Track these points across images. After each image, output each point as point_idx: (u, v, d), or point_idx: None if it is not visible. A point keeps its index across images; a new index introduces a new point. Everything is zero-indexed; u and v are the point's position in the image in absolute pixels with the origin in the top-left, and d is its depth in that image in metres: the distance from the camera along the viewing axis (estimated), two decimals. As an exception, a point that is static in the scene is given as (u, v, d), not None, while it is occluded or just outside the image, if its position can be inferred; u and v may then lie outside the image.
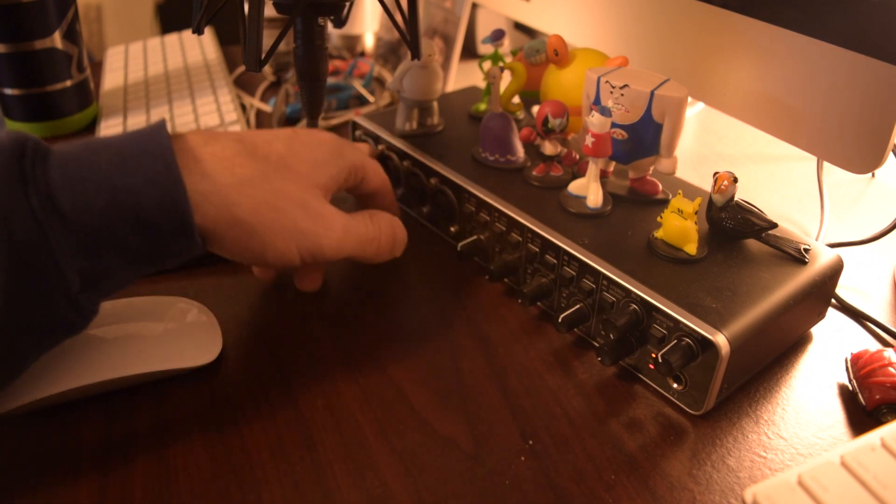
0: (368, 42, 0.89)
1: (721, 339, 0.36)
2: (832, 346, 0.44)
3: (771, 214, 0.43)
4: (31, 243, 0.30)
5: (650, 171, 0.48)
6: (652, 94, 0.43)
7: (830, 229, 0.56)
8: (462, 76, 0.80)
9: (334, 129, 0.71)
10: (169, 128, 0.37)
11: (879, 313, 0.47)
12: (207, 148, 0.37)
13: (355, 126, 0.60)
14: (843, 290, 0.49)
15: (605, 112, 0.42)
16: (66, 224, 0.31)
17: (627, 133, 0.45)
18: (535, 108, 0.62)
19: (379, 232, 0.43)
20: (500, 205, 0.47)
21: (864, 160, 0.44)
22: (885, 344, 0.45)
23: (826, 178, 0.59)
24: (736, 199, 0.43)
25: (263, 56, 0.44)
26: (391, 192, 0.48)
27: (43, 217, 0.31)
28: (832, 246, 0.52)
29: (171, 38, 0.92)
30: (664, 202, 0.47)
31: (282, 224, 0.37)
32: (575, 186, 0.47)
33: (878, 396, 0.38)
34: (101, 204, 0.32)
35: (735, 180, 0.42)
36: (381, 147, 0.57)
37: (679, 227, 0.41)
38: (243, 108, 0.75)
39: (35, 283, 0.31)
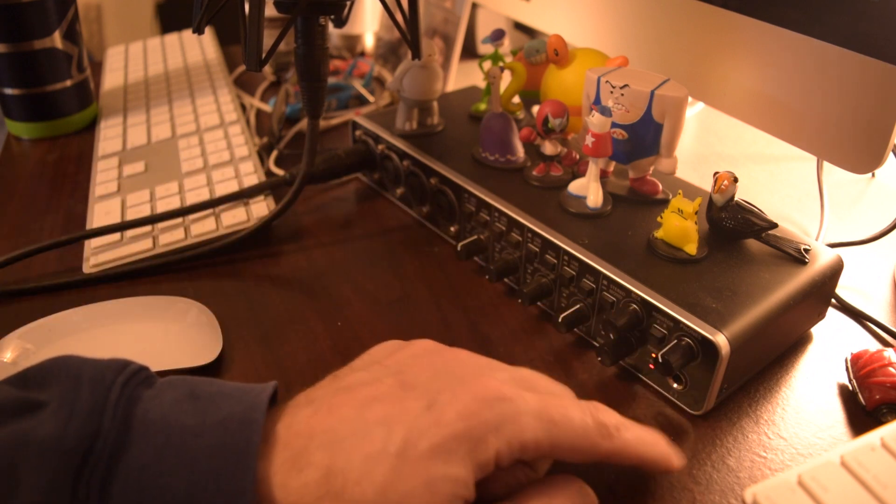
0: (368, 42, 0.89)
1: (721, 339, 0.36)
2: (832, 346, 0.44)
3: (771, 214, 0.43)
4: None
5: (650, 171, 0.48)
6: (652, 94, 0.43)
7: (830, 229, 0.56)
8: (462, 76, 0.80)
9: (334, 129, 0.71)
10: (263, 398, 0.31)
11: (879, 313, 0.47)
12: (293, 479, 0.28)
13: (355, 126, 0.60)
14: (843, 290, 0.49)
15: (606, 112, 0.42)
16: None
17: (627, 133, 0.45)
18: (535, 108, 0.62)
19: None
20: (500, 205, 0.47)
21: (864, 160, 0.44)
22: (885, 344, 0.45)
23: (826, 178, 0.59)
24: (736, 199, 0.43)
25: (264, 56, 0.44)
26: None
27: None
28: (832, 246, 0.52)
29: (171, 38, 0.92)
30: (664, 202, 0.47)
31: None
32: (575, 186, 0.47)
33: (878, 396, 0.38)
34: None
35: (735, 180, 0.42)
36: (381, 147, 0.57)
37: (679, 227, 0.41)
38: (243, 107, 0.75)
39: None
